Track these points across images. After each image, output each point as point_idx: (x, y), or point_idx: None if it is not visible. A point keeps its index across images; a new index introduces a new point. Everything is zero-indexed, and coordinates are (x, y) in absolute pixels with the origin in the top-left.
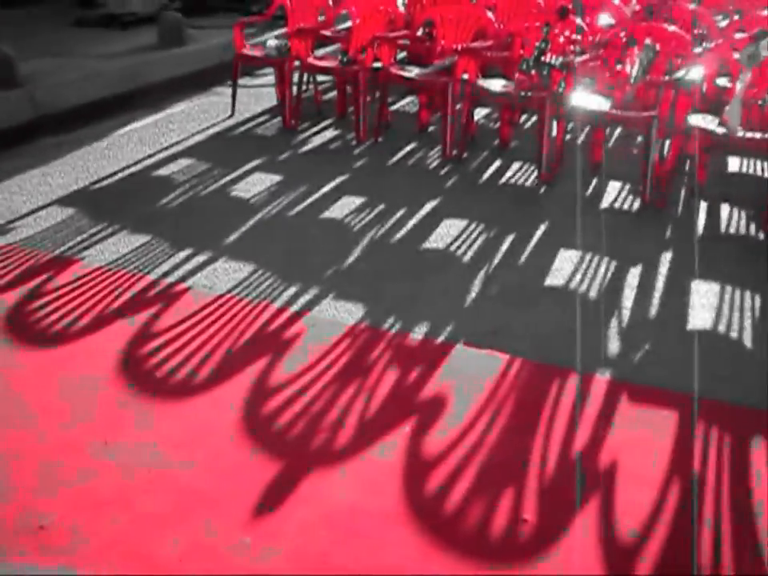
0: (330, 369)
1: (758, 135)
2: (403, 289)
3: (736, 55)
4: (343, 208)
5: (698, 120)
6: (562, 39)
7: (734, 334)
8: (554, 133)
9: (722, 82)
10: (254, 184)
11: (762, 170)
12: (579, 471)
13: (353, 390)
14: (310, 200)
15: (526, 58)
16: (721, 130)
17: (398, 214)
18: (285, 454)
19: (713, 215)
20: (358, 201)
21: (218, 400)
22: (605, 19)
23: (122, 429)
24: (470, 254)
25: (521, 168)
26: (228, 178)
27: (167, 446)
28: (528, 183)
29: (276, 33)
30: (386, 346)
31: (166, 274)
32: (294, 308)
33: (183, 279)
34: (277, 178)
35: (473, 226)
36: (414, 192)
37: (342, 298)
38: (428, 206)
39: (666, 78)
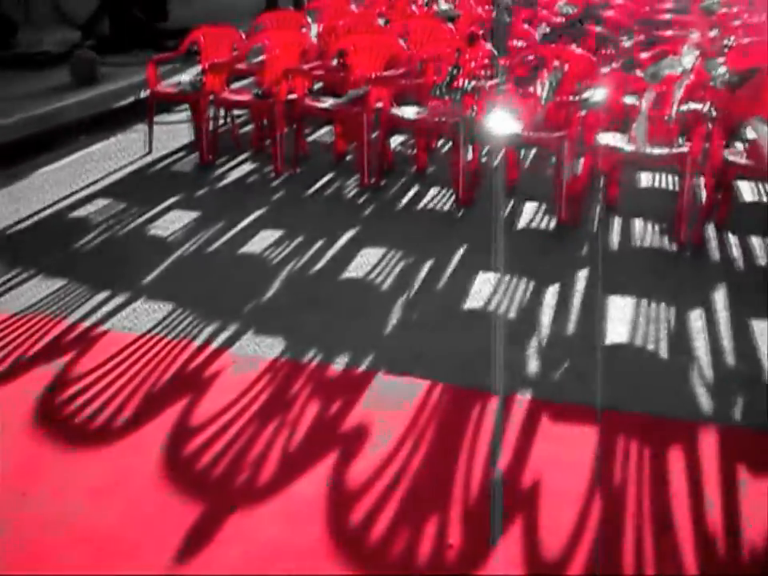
0: (252, 404)
1: (664, 150)
2: (323, 320)
3: (639, 74)
4: (262, 242)
5: (606, 138)
6: (472, 65)
7: (650, 347)
8: (469, 157)
9: (629, 100)
10: (172, 222)
11: (672, 183)
12: (502, 492)
13: (275, 425)
14: (228, 235)
15: (438, 84)
16: (629, 147)
17: (317, 245)
18: (208, 495)
19: (626, 230)
20: (276, 234)
21: (139, 443)
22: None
23: (41, 478)
24: (389, 281)
25: (438, 193)
26: (145, 217)
27: (87, 494)
28: (446, 208)
29: (190, 68)
30: (307, 378)
31: (84, 318)
32: (215, 345)
33: (102, 321)
34: (194, 214)
35: (391, 253)
36: (332, 222)
37: (262, 333)
38: (346, 236)
39: (575, 98)
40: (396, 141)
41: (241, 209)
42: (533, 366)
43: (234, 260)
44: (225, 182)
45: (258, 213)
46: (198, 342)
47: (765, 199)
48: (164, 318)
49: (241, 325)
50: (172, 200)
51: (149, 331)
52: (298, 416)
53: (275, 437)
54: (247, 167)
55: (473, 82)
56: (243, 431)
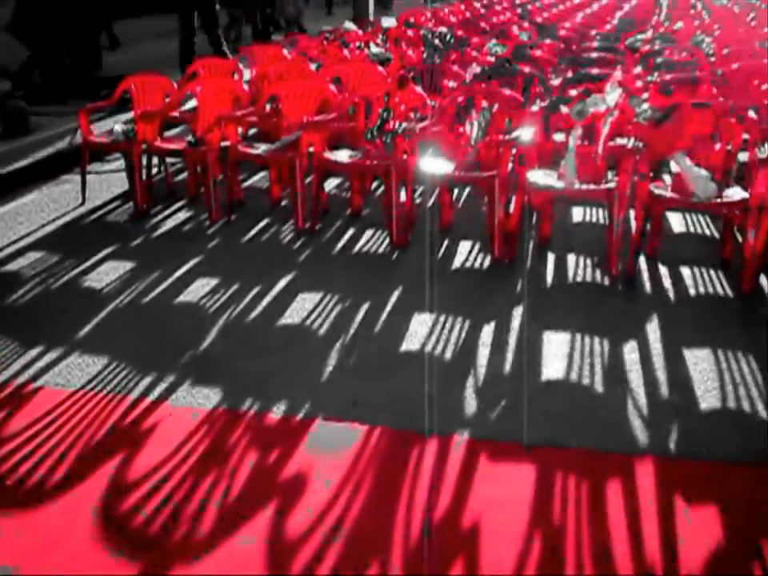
0: (189, 457)
1: (593, 186)
2: (261, 367)
3: (565, 110)
4: (197, 290)
5: (537, 176)
6: (403, 107)
7: (586, 381)
8: (403, 198)
9: (558, 137)
10: (106, 273)
11: (603, 217)
12: (443, 535)
13: (213, 477)
14: (163, 285)
15: (370, 127)
16: (558, 184)
17: (253, 292)
18: (146, 553)
19: (560, 265)
20: (212, 282)
21: (74, 502)
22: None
23: None
24: (326, 326)
25: (374, 235)
26: (79, 269)
27: (20, 563)
28: (381, 250)
29: (123, 117)
30: (245, 427)
31: (16, 374)
32: (151, 398)
33: (35, 378)
34: (129, 264)
35: (328, 297)
36: (268, 268)
37: (199, 383)
38: (282, 282)
39: (504, 137)
40: (331, 184)
41: (176, 258)
42: (470, 405)
43: (169, 310)
44: (160, 230)
45: (193, 261)
46: (133, 396)
47: (693, 229)
48: (99, 373)
49: (177, 376)
50: (106, 251)
51: (83, 386)
52: (236, 467)
53: (213, 489)
54: (182, 215)
55: (404, 125)
56: (181, 485)
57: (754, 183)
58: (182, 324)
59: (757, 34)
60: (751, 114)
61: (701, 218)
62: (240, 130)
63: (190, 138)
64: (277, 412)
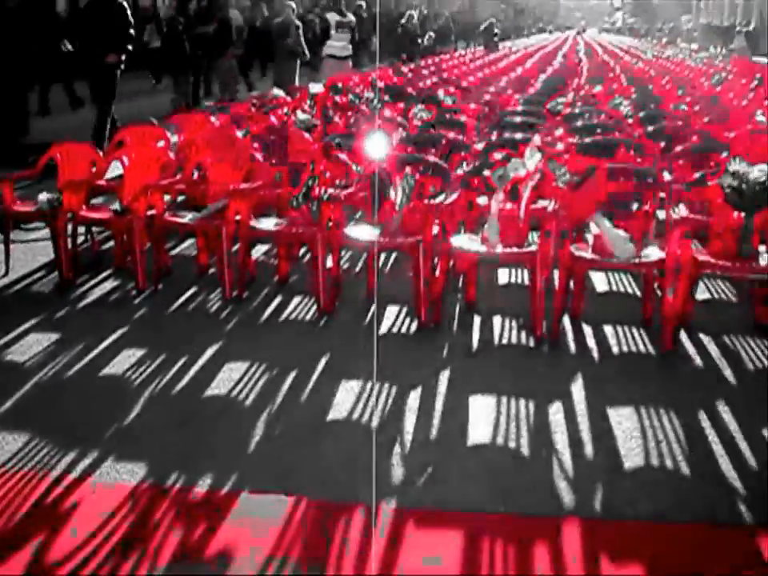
0: (112, 536)
1: (515, 249)
2: (186, 440)
3: (488, 174)
4: (123, 362)
5: (461, 240)
6: (328, 174)
7: (512, 444)
8: (329, 264)
9: (482, 201)
10: (30, 346)
11: (528, 279)
12: None
13: (137, 555)
14: (88, 357)
15: (295, 194)
16: (482, 248)
17: (180, 362)
18: None
19: (486, 328)
20: (138, 353)
21: None
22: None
23: None
24: (253, 395)
25: (301, 302)
26: (1, 343)
27: None
28: (309, 317)
29: (49, 185)
30: (170, 502)
31: None
32: (74, 474)
33: None
34: (54, 336)
35: (255, 366)
36: (195, 337)
37: (123, 458)
38: (210, 351)
39: (428, 202)
40: (259, 251)
41: (102, 328)
42: (397, 473)
43: (93, 383)
44: (86, 301)
45: (119, 332)
46: (56, 473)
47: (616, 288)
48: (19, 450)
49: (101, 451)
50: (30, 323)
51: (3, 464)
52: (161, 544)
53: (137, 568)
54: (109, 285)
55: (330, 191)
56: (103, 565)
57: (669, 243)
58: (107, 397)
59: (671, 97)
60: (666, 175)
61: (623, 277)
62: (168, 197)
63: (116, 206)
64: (202, 485)
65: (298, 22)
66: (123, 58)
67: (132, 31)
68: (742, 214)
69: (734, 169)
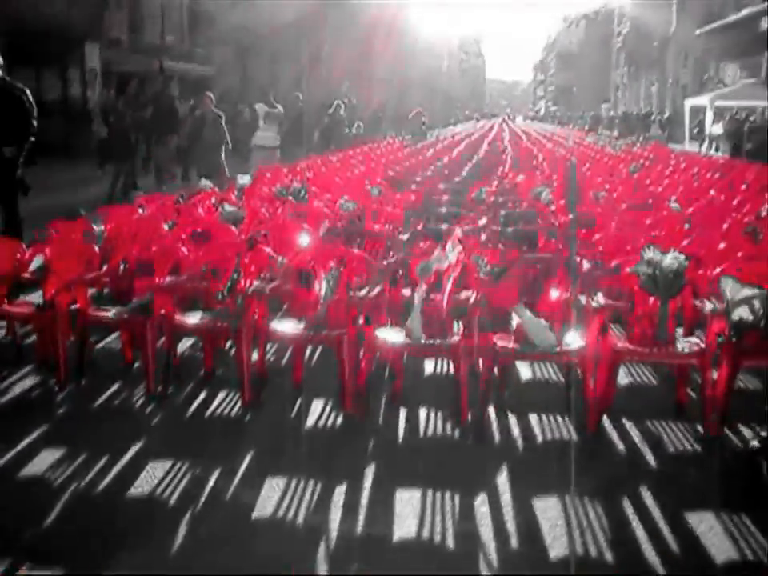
0: None
1: (438, 341)
2: (106, 542)
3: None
4: (42, 462)
5: (385, 333)
6: (253, 267)
7: (437, 538)
8: (255, 358)
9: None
10: None
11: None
12: None
13: None
14: (5, 458)
15: (220, 288)
16: (405, 341)
17: (101, 461)
18: None
19: (411, 419)
20: (58, 453)
21: None
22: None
23: None
24: (176, 494)
25: (227, 396)
26: None
27: None
28: (234, 412)
29: None
30: None
31: None
32: None
33: None
34: None
35: (179, 464)
36: (118, 435)
37: (39, 565)
38: (133, 449)
39: (353, 294)
40: (184, 344)
41: (21, 427)
42: (321, 570)
43: (10, 485)
44: (5, 398)
45: (40, 430)
46: None
47: (540, 376)
48: None
49: (14, 559)
50: None
51: None
52: None
53: None
54: (30, 381)
55: (255, 284)
56: None
57: (589, 332)
58: (23, 500)
59: (592, 185)
60: (585, 264)
61: (546, 365)
62: (93, 290)
63: (38, 301)
64: None
65: (219, 112)
66: (22, 150)
67: (34, 122)
68: (658, 300)
69: (648, 257)
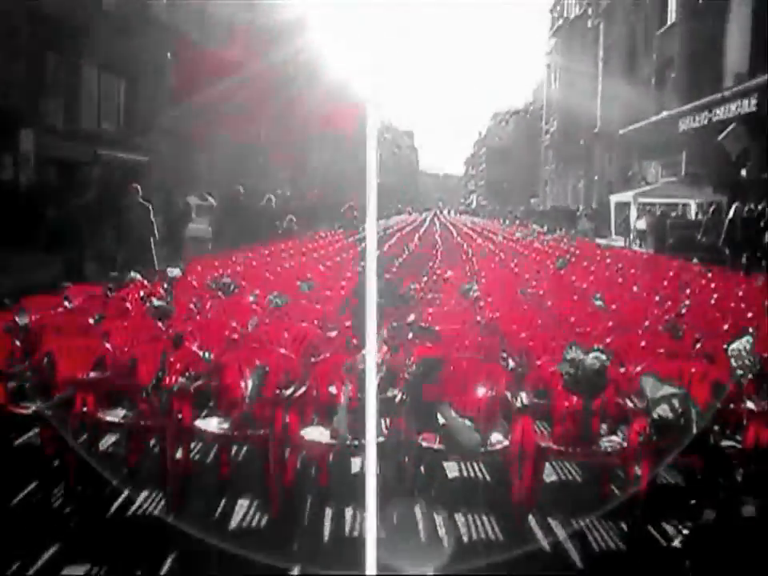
0: None
1: (363, 441)
2: None
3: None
4: None
5: (310, 432)
6: (179, 365)
7: None
8: (179, 455)
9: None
10: None
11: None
12: None
13: None
14: None
15: (145, 385)
16: (331, 440)
17: (14, 566)
18: None
19: (337, 518)
20: None
21: None
22: None
23: None
24: None
25: (150, 495)
26: None
27: None
28: (157, 511)
29: None
30: None
31: None
32: None
33: None
34: None
35: (97, 569)
36: (34, 535)
37: None
38: (51, 550)
39: (279, 393)
40: (107, 441)
41: None
42: None
43: None
44: None
45: None
46: None
47: (465, 474)
48: None
49: None
50: None
51: None
52: None
53: None
54: None
55: (180, 381)
56: None
57: (513, 431)
58: None
59: (519, 281)
60: (511, 362)
61: (473, 463)
62: (13, 384)
63: None
64: None
65: (146, 203)
66: None
67: None
68: (581, 399)
69: (570, 356)
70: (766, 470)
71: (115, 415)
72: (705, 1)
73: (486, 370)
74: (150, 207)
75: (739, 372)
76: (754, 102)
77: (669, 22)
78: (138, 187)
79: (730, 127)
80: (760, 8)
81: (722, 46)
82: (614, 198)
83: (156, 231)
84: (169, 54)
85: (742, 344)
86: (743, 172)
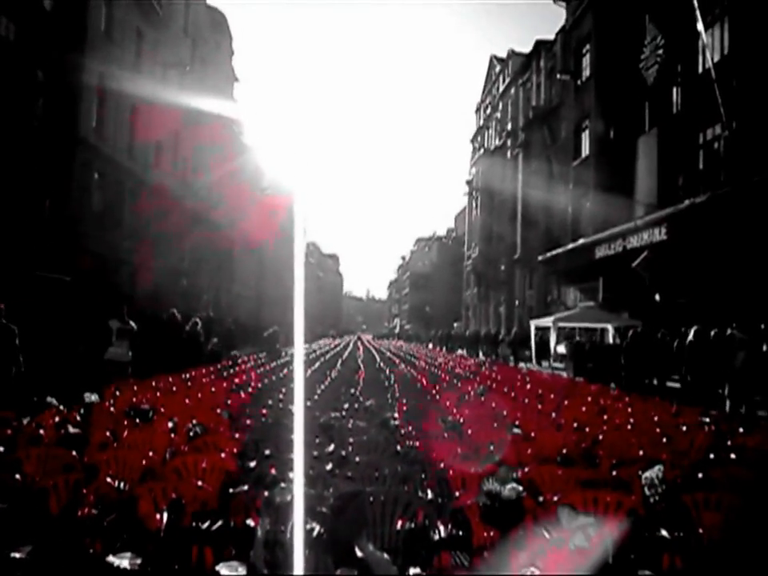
0: None
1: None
2: None
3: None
4: None
5: (227, 567)
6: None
7: None
8: None
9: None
10: None
11: None
12: None
13: None
14: None
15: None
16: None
17: None
18: None
19: None
20: None
21: None
22: None
23: None
24: None
25: None
26: None
27: None
28: None
29: None
30: None
31: None
32: None
33: None
34: None
35: None
36: None
37: None
38: None
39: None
40: None
41: None
42: None
43: None
44: None
45: None
46: None
47: None
48: None
49: None
50: None
51: None
52: None
53: None
54: None
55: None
56: None
57: (432, 564)
58: None
59: (440, 408)
60: (429, 494)
61: None
62: None
63: None
64: None
65: (11, 326)
66: None
67: None
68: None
69: (487, 488)
70: None
71: (21, 551)
72: (615, 137)
73: (404, 502)
74: (15, 331)
75: (652, 501)
76: (664, 230)
77: (583, 155)
78: (2, 307)
79: (643, 255)
80: (665, 145)
81: (633, 179)
82: (534, 323)
83: (20, 359)
84: (96, 175)
85: (654, 472)
86: (657, 297)
